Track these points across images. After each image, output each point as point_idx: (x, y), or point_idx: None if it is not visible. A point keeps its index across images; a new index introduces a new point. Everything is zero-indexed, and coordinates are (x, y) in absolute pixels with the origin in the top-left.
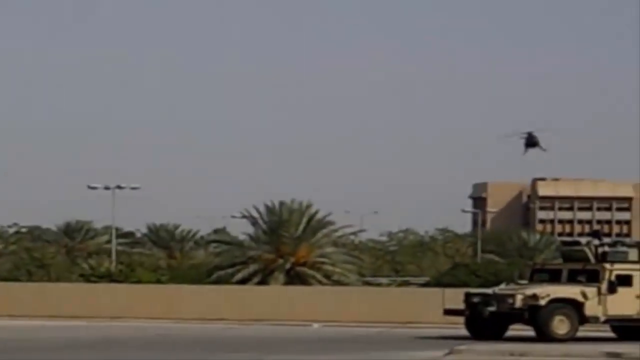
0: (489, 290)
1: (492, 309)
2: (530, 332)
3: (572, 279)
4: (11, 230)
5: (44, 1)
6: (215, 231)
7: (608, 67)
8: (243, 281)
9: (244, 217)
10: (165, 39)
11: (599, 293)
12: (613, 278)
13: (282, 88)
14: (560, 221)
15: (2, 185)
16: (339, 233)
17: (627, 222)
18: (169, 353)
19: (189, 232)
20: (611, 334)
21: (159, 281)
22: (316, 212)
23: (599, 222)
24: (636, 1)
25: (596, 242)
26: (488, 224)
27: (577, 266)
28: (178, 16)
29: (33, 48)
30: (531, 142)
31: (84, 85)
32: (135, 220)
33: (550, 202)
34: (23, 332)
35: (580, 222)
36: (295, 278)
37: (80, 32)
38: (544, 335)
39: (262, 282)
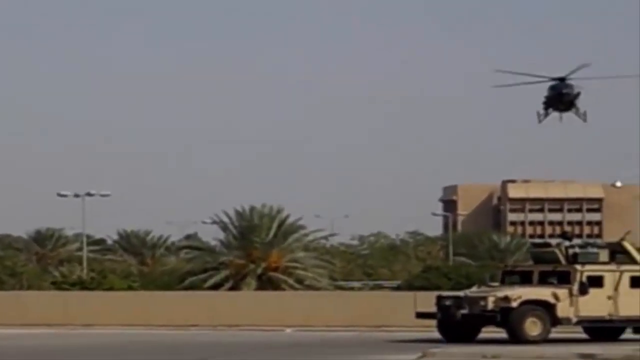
0: (460, 293)
1: (464, 311)
2: (502, 334)
3: (544, 280)
4: None
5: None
6: (187, 237)
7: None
8: (215, 287)
9: (214, 222)
10: (138, 46)
11: (571, 294)
12: (584, 279)
13: (250, 92)
14: (531, 223)
15: None
16: (310, 237)
17: (598, 223)
18: (149, 354)
19: (160, 238)
20: (583, 335)
21: (130, 288)
22: (287, 217)
23: (569, 223)
24: None
25: (566, 243)
26: (459, 227)
27: (548, 268)
28: (154, 28)
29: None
30: (562, 96)
31: (55, 92)
32: (106, 227)
33: (520, 204)
34: None
35: (551, 223)
36: (267, 283)
37: (53, 39)
38: (516, 338)
39: (234, 288)
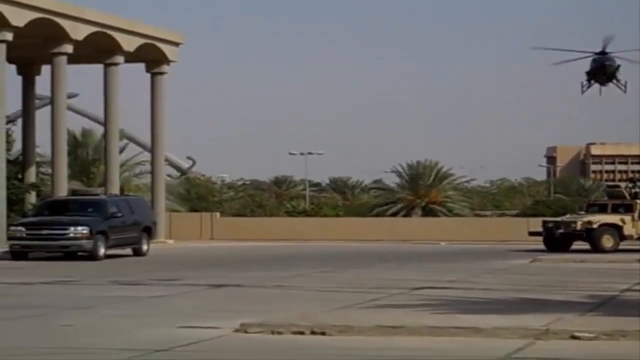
0: (559, 219)
1: (561, 231)
2: (586, 247)
3: (615, 210)
4: (239, 183)
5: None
6: (375, 181)
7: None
8: (393, 214)
9: (393, 171)
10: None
11: (633, 219)
12: None
13: (416, 68)
14: (606, 171)
15: (241, 153)
16: (457, 181)
17: None
18: (350, 259)
19: (357, 182)
20: None
21: (337, 215)
22: (442, 167)
23: (632, 172)
24: None
25: (631, 184)
26: (557, 174)
27: (618, 202)
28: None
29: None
30: (604, 68)
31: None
32: (321, 174)
33: (599, 159)
34: (249, 250)
35: (619, 172)
36: (428, 212)
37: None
38: (596, 249)
39: (406, 215)
